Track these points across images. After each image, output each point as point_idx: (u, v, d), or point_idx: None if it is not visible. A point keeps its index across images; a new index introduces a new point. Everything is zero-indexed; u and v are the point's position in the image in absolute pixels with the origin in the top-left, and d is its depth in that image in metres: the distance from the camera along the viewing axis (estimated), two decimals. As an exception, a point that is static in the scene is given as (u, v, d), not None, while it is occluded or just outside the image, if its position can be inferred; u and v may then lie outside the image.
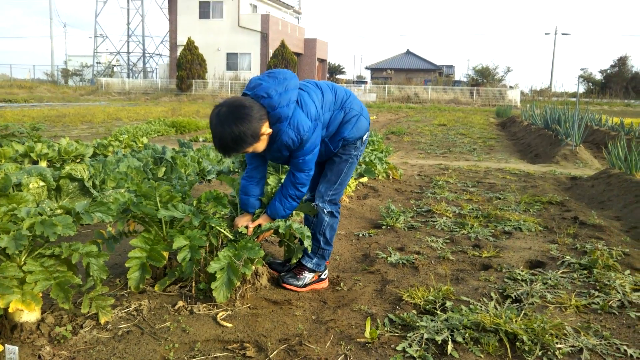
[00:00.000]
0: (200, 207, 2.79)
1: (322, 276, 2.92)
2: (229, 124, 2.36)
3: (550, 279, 3.00)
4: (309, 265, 2.86)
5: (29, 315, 2.17)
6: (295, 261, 2.91)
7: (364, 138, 2.89)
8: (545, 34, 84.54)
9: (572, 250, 3.61)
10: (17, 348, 1.85)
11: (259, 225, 2.71)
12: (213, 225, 2.64)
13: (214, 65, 38.90)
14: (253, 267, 2.62)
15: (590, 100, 40.63)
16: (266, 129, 2.43)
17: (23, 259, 2.19)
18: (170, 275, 2.72)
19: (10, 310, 2.03)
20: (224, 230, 2.69)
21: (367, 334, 2.28)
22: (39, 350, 2.05)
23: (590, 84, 51.20)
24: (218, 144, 2.43)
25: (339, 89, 2.82)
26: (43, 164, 6.71)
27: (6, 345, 1.89)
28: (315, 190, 2.93)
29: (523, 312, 2.50)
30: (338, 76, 58.48)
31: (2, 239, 1.96)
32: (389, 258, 3.36)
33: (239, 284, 2.57)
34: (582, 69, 55.75)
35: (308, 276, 2.85)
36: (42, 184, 4.27)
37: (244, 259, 2.50)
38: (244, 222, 2.74)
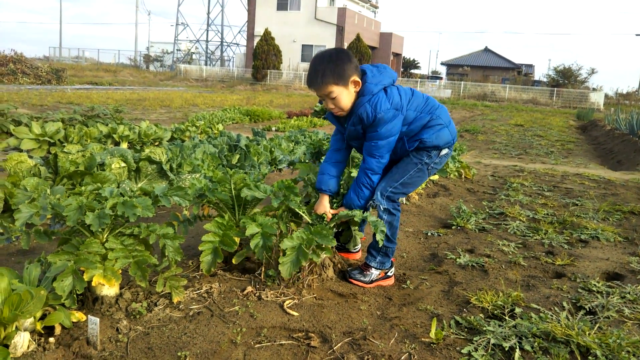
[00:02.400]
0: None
1: (389, 273, 2.91)
2: (330, 55, 2.62)
3: (629, 293, 2.86)
4: (373, 264, 2.86)
5: (109, 289, 2.29)
6: (351, 246, 3.13)
7: (442, 153, 2.86)
8: (636, 35, 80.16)
9: (655, 265, 3.42)
10: (98, 320, 1.95)
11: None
12: (292, 207, 2.68)
13: (289, 56, 39.36)
14: (323, 256, 2.65)
15: (682, 106, 38.11)
16: (356, 79, 2.62)
17: (105, 236, 2.31)
18: (248, 250, 2.76)
19: (93, 283, 2.15)
20: (303, 212, 2.74)
21: (432, 334, 2.25)
22: (117, 324, 2.17)
23: (684, 89, 48.01)
24: (312, 68, 2.62)
25: (432, 99, 2.89)
26: (124, 145, 7.03)
27: (89, 316, 2.00)
28: None
29: (597, 325, 2.40)
30: (413, 71, 57.68)
31: (87, 217, 2.08)
32: (457, 259, 3.31)
33: (305, 264, 2.57)
34: (674, 73, 52.15)
35: (374, 273, 2.85)
36: (123, 164, 4.49)
37: (313, 246, 2.54)
38: (321, 208, 2.82)
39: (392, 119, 2.64)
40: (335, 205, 2.90)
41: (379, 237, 2.59)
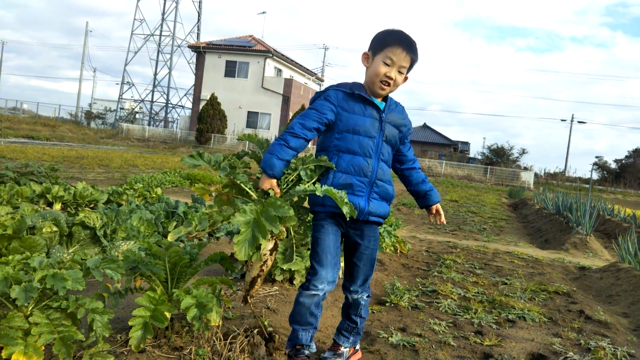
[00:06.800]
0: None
1: (357, 347, 2.93)
2: None
3: (551, 375, 2.96)
4: (346, 344, 2.81)
5: (28, 367, 2.18)
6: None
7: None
8: (562, 120, 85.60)
9: (576, 346, 3.56)
10: (13, 401, 1.86)
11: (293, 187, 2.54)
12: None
13: (234, 121, 39.72)
14: (282, 228, 2.46)
15: (604, 188, 40.66)
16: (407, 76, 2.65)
17: (30, 309, 2.23)
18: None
19: (11, 360, 2.05)
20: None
21: (361, 418, 2.25)
22: (34, 405, 2.06)
23: (605, 172, 51.38)
24: (410, 37, 2.56)
25: None
26: (57, 206, 6.83)
27: (3, 397, 1.90)
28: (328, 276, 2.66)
29: (521, 409, 2.46)
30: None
31: (13, 290, 2.01)
32: (390, 338, 3.34)
33: (264, 242, 2.37)
34: (597, 157, 56.11)
35: (345, 350, 2.83)
36: (55, 229, 4.35)
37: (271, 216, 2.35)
38: (267, 184, 2.50)
39: None
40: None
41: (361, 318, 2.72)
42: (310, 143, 2.90)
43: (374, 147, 2.56)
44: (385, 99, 2.64)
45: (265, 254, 2.48)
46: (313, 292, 2.52)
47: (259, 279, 2.57)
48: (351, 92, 2.55)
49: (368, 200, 2.56)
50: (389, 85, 2.52)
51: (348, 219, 2.45)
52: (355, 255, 2.67)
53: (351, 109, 2.53)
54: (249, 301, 2.69)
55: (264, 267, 2.53)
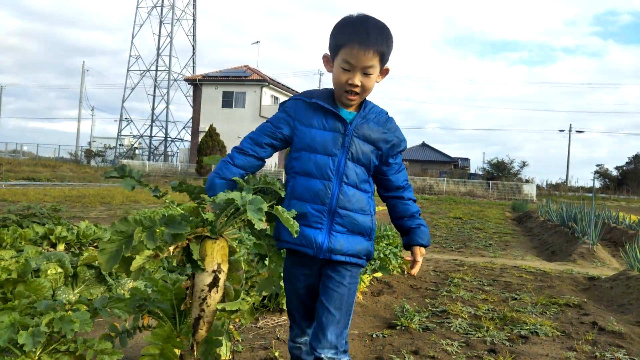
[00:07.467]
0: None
1: None
2: (384, 24, 2.08)
3: (568, 391, 2.92)
4: None
5: (38, 413, 2.16)
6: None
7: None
8: (560, 130, 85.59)
9: (592, 359, 3.52)
10: None
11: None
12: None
13: (233, 151, 39.92)
14: (170, 248, 2.11)
15: (607, 196, 40.64)
16: (388, 68, 2.15)
17: (38, 354, 2.21)
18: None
19: (21, 408, 2.03)
20: None
21: None
22: None
23: (607, 180, 51.40)
24: (370, 24, 2.02)
25: None
26: (61, 247, 6.81)
27: None
28: (302, 329, 2.30)
29: None
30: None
31: (20, 336, 1.99)
32: (402, 362, 3.31)
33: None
34: (597, 165, 56.35)
35: None
36: (60, 270, 4.34)
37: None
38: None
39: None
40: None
41: None
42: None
43: (333, 167, 2.06)
44: (361, 106, 2.17)
45: (203, 289, 2.10)
46: (297, 345, 2.28)
47: (201, 321, 2.15)
48: (310, 102, 2.12)
49: (329, 233, 2.06)
50: (356, 94, 2.06)
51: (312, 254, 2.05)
52: (325, 293, 2.11)
53: (309, 122, 2.10)
54: (195, 349, 2.25)
55: (204, 307, 2.12)
